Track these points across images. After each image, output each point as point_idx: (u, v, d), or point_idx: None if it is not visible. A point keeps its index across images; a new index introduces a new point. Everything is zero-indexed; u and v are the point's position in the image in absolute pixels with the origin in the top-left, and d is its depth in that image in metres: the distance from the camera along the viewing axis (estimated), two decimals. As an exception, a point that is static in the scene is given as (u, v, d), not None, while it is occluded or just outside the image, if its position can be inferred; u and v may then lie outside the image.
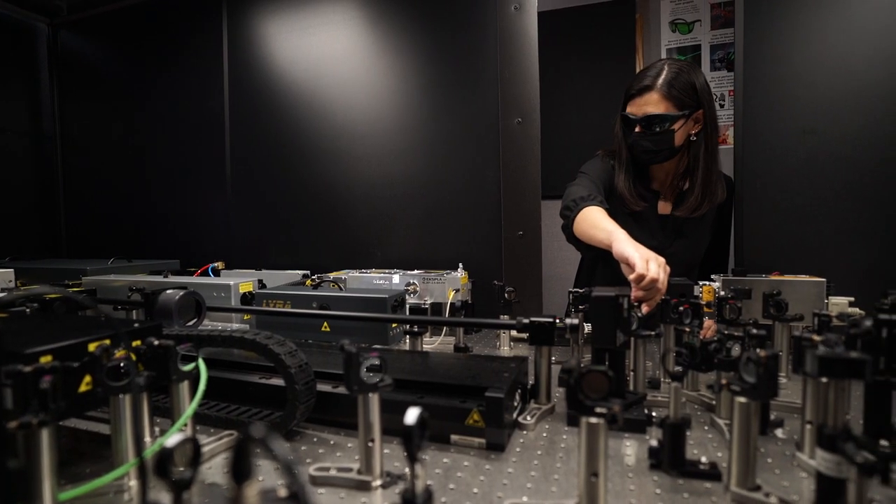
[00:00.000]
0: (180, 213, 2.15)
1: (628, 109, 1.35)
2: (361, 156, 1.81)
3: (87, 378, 0.51)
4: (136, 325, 0.64)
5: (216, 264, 1.82)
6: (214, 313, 1.43)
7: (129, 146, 2.24)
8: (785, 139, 1.42)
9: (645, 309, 0.91)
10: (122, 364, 0.52)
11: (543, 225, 1.58)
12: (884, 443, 0.62)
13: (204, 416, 0.75)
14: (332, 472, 0.59)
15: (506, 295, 1.16)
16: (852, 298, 1.07)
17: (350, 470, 0.59)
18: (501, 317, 1.15)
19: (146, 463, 0.42)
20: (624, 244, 1.03)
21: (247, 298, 1.41)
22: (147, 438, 0.59)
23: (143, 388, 0.54)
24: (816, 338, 0.61)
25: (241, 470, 0.25)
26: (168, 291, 0.93)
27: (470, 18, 1.65)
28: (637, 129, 1.32)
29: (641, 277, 0.93)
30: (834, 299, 1.07)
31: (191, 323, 0.96)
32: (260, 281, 1.54)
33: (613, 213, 1.26)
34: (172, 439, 0.32)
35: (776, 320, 0.96)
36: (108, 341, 0.55)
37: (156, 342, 0.57)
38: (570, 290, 1.07)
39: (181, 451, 0.34)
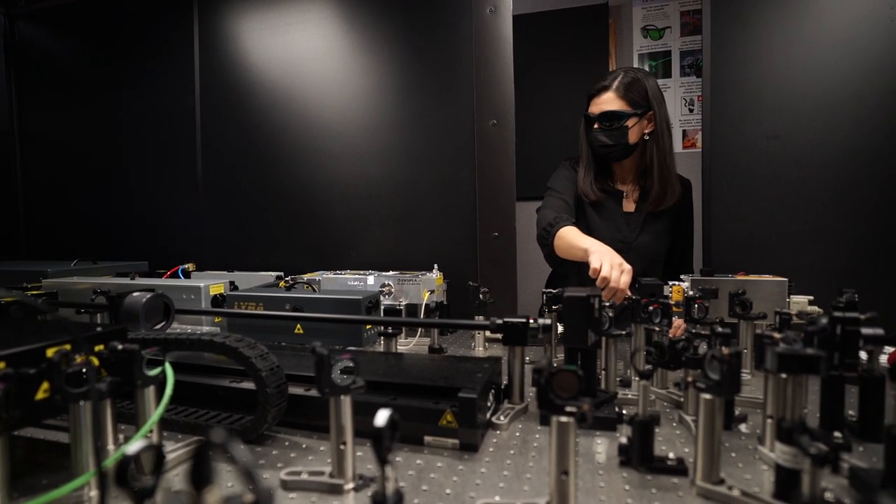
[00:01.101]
0: (149, 212, 2.09)
1: (589, 109, 1.47)
2: (337, 156, 1.79)
3: (45, 385, 0.49)
4: (98, 328, 0.62)
5: (186, 266, 1.77)
6: (184, 316, 1.40)
7: (94, 143, 2.17)
8: (750, 144, 1.47)
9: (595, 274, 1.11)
10: (84, 370, 0.50)
11: (518, 226, 1.60)
12: (837, 434, 0.64)
13: (171, 421, 0.73)
14: (304, 477, 0.59)
15: (480, 296, 1.17)
16: (812, 297, 1.11)
17: (322, 473, 0.59)
18: (476, 317, 1.16)
19: (106, 472, 0.41)
20: (593, 256, 1.17)
21: (218, 300, 1.39)
22: (110, 446, 0.57)
23: (105, 395, 0.53)
24: (777, 335, 0.63)
25: (200, 476, 0.24)
26: (135, 294, 0.91)
27: (445, 20, 1.65)
28: (595, 126, 1.44)
29: (596, 273, 1.12)
30: (795, 298, 1.10)
31: (159, 326, 0.94)
32: (232, 283, 1.51)
33: (582, 211, 1.45)
34: (134, 447, 0.31)
35: (741, 319, 0.99)
36: (68, 346, 0.53)
37: (120, 346, 0.56)
38: (544, 290, 1.08)
39: (145, 458, 0.33)
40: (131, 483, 0.31)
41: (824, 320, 0.66)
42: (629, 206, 1.53)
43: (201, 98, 1.97)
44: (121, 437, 0.62)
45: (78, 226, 2.21)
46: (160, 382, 0.59)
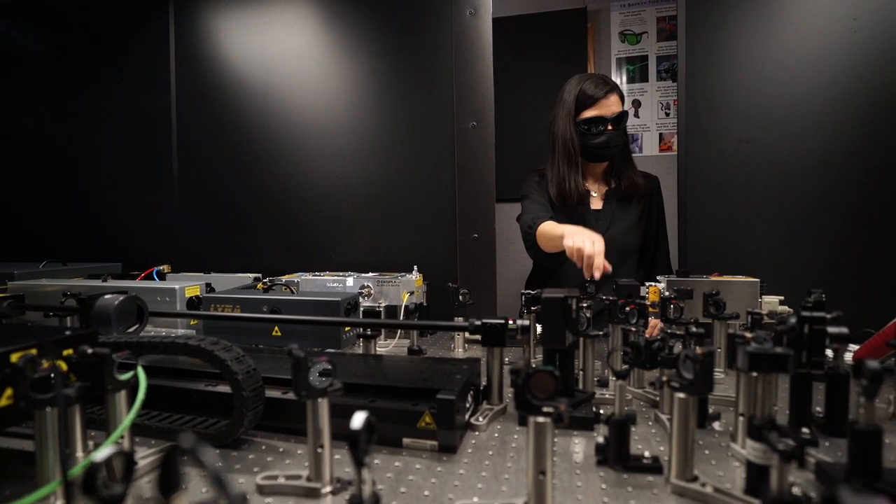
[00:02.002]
0: (122, 213, 2.04)
1: (593, 113, 1.52)
2: (316, 156, 1.78)
3: (9, 391, 0.48)
4: (67, 332, 0.61)
5: (161, 267, 1.74)
6: (159, 319, 1.37)
7: (65, 142, 2.11)
8: (723, 147, 1.50)
9: (597, 274, 1.16)
10: (52, 375, 0.49)
11: (498, 227, 1.61)
12: (805, 430, 0.66)
13: (144, 426, 0.71)
14: (281, 481, 0.58)
15: (460, 297, 1.17)
16: (782, 297, 1.14)
17: (299, 477, 0.58)
18: (456, 319, 1.16)
19: (73, 481, 0.39)
20: (566, 238, 1.25)
21: (193, 303, 1.36)
22: (79, 454, 0.56)
23: (73, 400, 0.51)
24: (748, 335, 0.64)
25: (169, 482, 0.23)
26: (106, 296, 0.88)
27: (425, 22, 1.65)
28: (609, 128, 1.51)
29: (571, 250, 1.20)
30: (766, 298, 1.13)
31: (132, 329, 0.91)
32: (208, 285, 1.48)
33: (555, 216, 1.54)
34: (102, 453, 0.30)
35: (715, 319, 1.01)
36: (34, 351, 0.52)
37: (89, 350, 0.54)
38: (523, 291, 1.09)
39: (116, 465, 0.32)
40: (100, 491, 0.30)
41: (793, 320, 0.68)
42: (597, 203, 1.63)
43: (177, 96, 1.93)
44: (91, 443, 0.60)
45: (47, 226, 2.15)
46: (132, 387, 0.58)
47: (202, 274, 1.67)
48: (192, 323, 1.37)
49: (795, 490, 0.45)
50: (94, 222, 2.08)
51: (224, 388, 0.75)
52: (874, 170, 1.38)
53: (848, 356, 0.87)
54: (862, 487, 0.49)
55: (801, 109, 1.43)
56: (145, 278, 1.69)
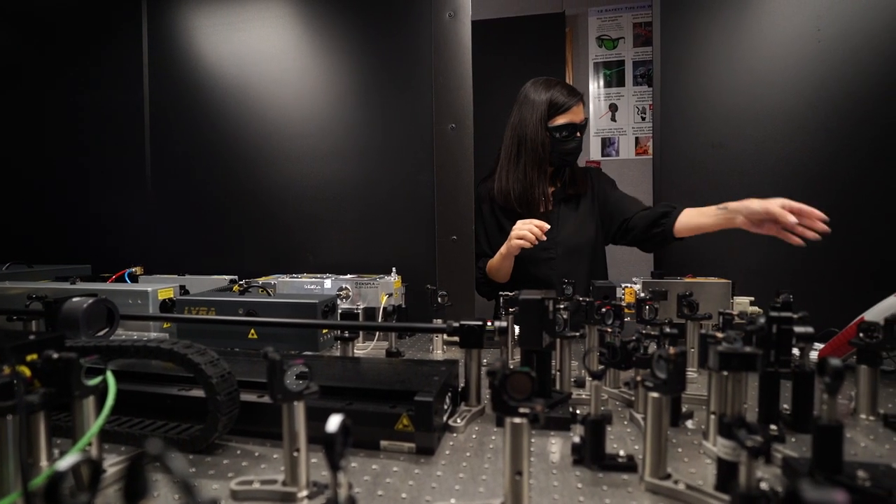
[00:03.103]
0: (92, 213, 1.98)
1: (566, 119, 1.55)
2: (294, 157, 1.76)
3: (-32, 398, 0.46)
4: (31, 336, 0.59)
5: (133, 269, 1.70)
6: (131, 322, 1.34)
7: (31, 138, 2.04)
8: (697, 152, 1.54)
9: (538, 232, 1.39)
10: (14, 381, 0.47)
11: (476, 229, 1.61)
12: (773, 427, 0.68)
13: (114, 433, 0.69)
14: (256, 486, 0.57)
15: (439, 299, 1.17)
16: (753, 298, 1.17)
17: (274, 482, 0.57)
18: (435, 321, 1.16)
19: (34, 492, 0.38)
20: (508, 243, 1.44)
21: (167, 305, 1.33)
22: (44, 463, 0.54)
23: (36, 408, 0.50)
24: (719, 335, 0.66)
25: (135, 490, 0.23)
26: (74, 299, 0.86)
27: (405, 23, 1.65)
28: (578, 135, 1.56)
29: (518, 247, 1.43)
30: (737, 299, 1.16)
31: (101, 333, 0.89)
32: (182, 287, 1.45)
33: (501, 229, 1.62)
34: (66, 462, 0.29)
35: (688, 319, 1.03)
36: (-4, 356, 0.50)
37: (55, 355, 0.53)
38: (501, 293, 1.09)
39: (84, 473, 0.32)
40: (65, 501, 0.29)
41: (762, 320, 0.70)
42: (544, 205, 1.66)
43: (151, 94, 1.89)
44: (56, 452, 0.58)
45: (11, 227, 2.08)
46: (101, 392, 0.56)
47: (176, 276, 1.64)
48: (165, 326, 1.34)
49: (763, 485, 0.46)
50: (61, 223, 2.02)
51: (198, 393, 0.74)
52: (838, 173, 1.43)
53: (814, 355, 0.89)
54: (825, 481, 0.51)
55: (769, 115, 1.48)
56: (117, 280, 1.65)
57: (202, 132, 1.84)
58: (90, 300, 0.86)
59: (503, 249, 1.51)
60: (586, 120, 1.59)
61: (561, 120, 1.54)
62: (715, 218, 1.34)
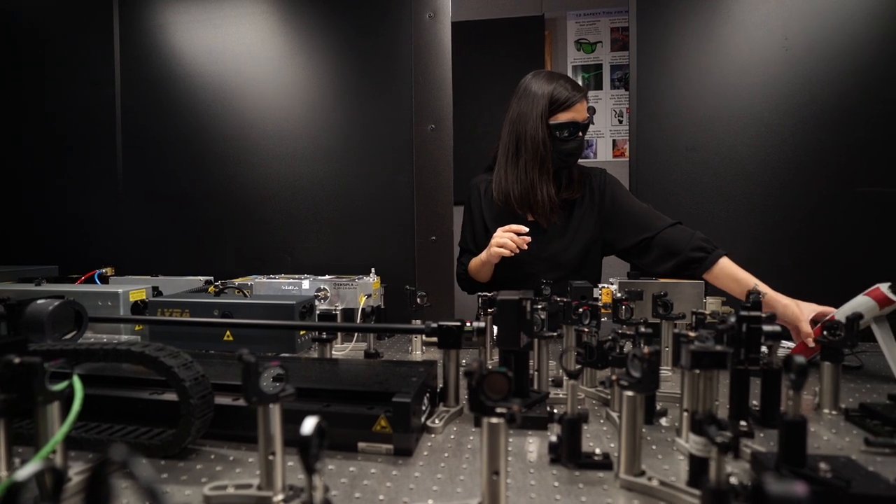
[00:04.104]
0: (61, 213, 1.92)
1: (569, 117, 1.39)
2: (272, 156, 1.74)
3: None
4: (-6, 340, 0.57)
5: (104, 270, 1.65)
6: (100, 325, 1.31)
7: (-4, 137, 1.97)
8: (672, 154, 1.57)
9: (520, 236, 1.31)
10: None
11: (455, 230, 1.62)
12: (743, 423, 0.70)
13: (81, 440, 0.67)
14: (230, 491, 0.56)
15: (418, 299, 1.17)
16: (724, 298, 1.20)
17: (249, 486, 0.56)
18: (413, 321, 1.16)
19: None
20: (490, 253, 1.35)
21: (139, 307, 1.30)
22: (3, 472, 0.52)
23: (-2, 413, 0.48)
24: (692, 334, 0.68)
25: (98, 498, 0.22)
26: (39, 301, 0.83)
27: (385, 23, 1.65)
28: (580, 135, 1.41)
29: (499, 254, 1.34)
30: (710, 299, 1.19)
31: (69, 336, 0.86)
32: (155, 288, 1.42)
33: (487, 232, 1.48)
34: (26, 471, 0.28)
35: (663, 319, 1.05)
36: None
37: (16, 360, 0.51)
38: (479, 293, 1.10)
39: (47, 482, 0.30)
40: (25, 509, 0.28)
41: (732, 319, 0.72)
42: (549, 212, 1.49)
43: (122, 90, 1.85)
44: (17, 461, 0.56)
45: (-25, 226, 2.00)
46: (67, 398, 0.54)
47: (149, 277, 1.60)
48: (136, 329, 1.31)
49: (733, 480, 0.47)
50: (28, 223, 1.95)
51: (171, 397, 0.72)
52: (803, 174, 1.48)
53: (782, 352, 0.92)
54: (790, 474, 0.52)
55: (739, 119, 1.52)
56: (86, 282, 1.61)
57: (177, 130, 1.81)
58: (56, 302, 0.83)
59: (483, 256, 1.42)
60: (590, 119, 1.44)
61: (563, 117, 1.39)
62: (745, 294, 1.14)
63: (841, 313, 1.00)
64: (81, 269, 1.66)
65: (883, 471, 0.59)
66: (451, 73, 1.56)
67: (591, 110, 1.44)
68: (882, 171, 1.43)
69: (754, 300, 0.81)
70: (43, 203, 1.93)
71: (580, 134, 1.41)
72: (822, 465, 0.53)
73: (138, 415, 0.73)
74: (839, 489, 0.50)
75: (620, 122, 2.97)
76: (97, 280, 1.62)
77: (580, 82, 3.01)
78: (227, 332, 1.14)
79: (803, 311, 1.10)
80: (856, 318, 0.82)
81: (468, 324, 0.84)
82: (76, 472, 0.58)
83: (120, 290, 1.29)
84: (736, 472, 0.61)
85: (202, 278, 1.55)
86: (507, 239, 1.32)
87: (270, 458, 0.55)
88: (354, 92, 1.67)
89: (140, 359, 0.65)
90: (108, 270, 1.67)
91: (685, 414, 0.69)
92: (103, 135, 1.86)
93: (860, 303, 0.98)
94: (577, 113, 1.40)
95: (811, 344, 1.06)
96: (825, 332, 0.82)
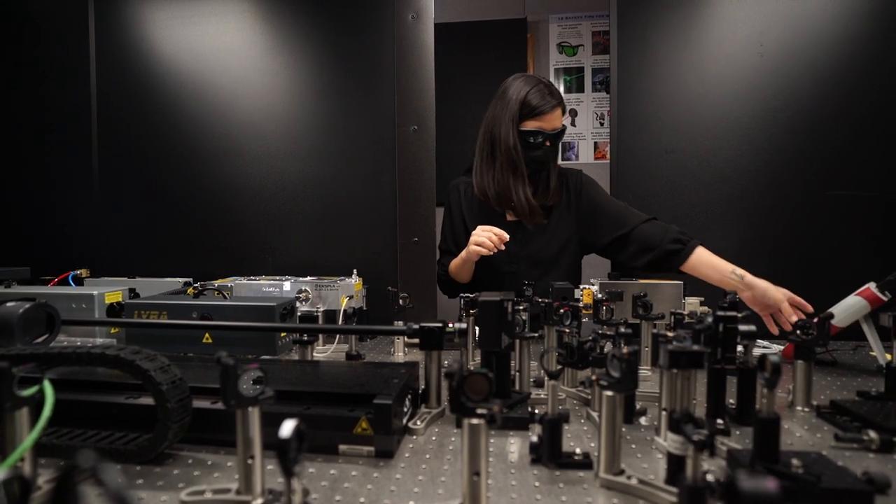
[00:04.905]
0: (34, 213, 1.87)
1: (536, 125, 1.40)
2: (253, 156, 1.72)
3: None
4: (-39, 344, 0.55)
5: (79, 272, 1.62)
6: (74, 328, 1.27)
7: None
8: (651, 157, 1.59)
9: (497, 241, 1.30)
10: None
11: (438, 231, 1.62)
12: (720, 421, 0.71)
13: (53, 446, 0.66)
14: (208, 496, 0.55)
15: (400, 301, 1.17)
16: (703, 298, 1.22)
17: (228, 491, 0.56)
18: (396, 323, 1.16)
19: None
20: (469, 251, 1.35)
21: (114, 310, 1.28)
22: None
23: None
24: (670, 334, 0.69)
25: (66, 505, 0.22)
26: (8, 304, 0.81)
27: (367, 24, 1.64)
28: (547, 144, 1.41)
29: (478, 252, 1.33)
30: (689, 299, 1.21)
31: (40, 340, 0.84)
32: (132, 290, 1.39)
33: (467, 233, 1.46)
34: (-7, 477, 0.28)
35: (643, 319, 1.07)
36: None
37: (-16, 364, 0.49)
38: (462, 294, 1.10)
39: (14, 490, 0.30)
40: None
41: (710, 319, 0.73)
42: (510, 216, 1.52)
43: (98, 88, 1.80)
44: (-14, 467, 0.55)
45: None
46: (38, 403, 0.53)
47: (126, 279, 1.57)
48: (112, 331, 1.28)
49: (709, 477, 0.48)
50: (-1, 223, 1.90)
51: (147, 400, 0.71)
52: (778, 176, 1.51)
53: (757, 351, 0.94)
54: (764, 470, 0.54)
55: (717, 123, 1.55)
56: (60, 283, 1.57)
57: (155, 128, 1.77)
58: (27, 304, 0.81)
59: (463, 254, 1.41)
60: (563, 128, 1.43)
61: (531, 125, 1.40)
62: (723, 279, 1.26)
63: (838, 312, 1.03)
64: (55, 271, 1.62)
65: (851, 465, 0.61)
66: (434, 75, 1.56)
67: (573, 113, 1.47)
68: (855, 174, 1.47)
69: (731, 300, 0.83)
70: (14, 202, 1.88)
71: (548, 143, 1.41)
72: (795, 461, 0.55)
73: (113, 420, 0.72)
74: (810, 484, 0.52)
75: (602, 124, 3.00)
76: (71, 282, 1.58)
77: (562, 85, 3.05)
78: (207, 335, 1.12)
79: (784, 293, 1.19)
80: (827, 317, 0.84)
81: (450, 325, 0.84)
82: (46, 480, 0.56)
83: (95, 292, 1.26)
84: (713, 469, 0.62)
85: (181, 280, 1.52)
86: (485, 238, 1.32)
87: (249, 461, 0.54)
88: (337, 92, 1.66)
89: (115, 362, 0.64)
90: (82, 272, 1.63)
91: (664, 413, 0.70)
92: (80, 134, 1.81)
93: (853, 302, 1.02)
94: (545, 122, 1.40)
95: (793, 320, 1.12)
96: (798, 332, 0.84)
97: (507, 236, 1.32)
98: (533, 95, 1.40)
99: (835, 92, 1.47)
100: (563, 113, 1.45)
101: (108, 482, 0.19)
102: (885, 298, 0.99)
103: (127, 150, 1.80)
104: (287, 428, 0.39)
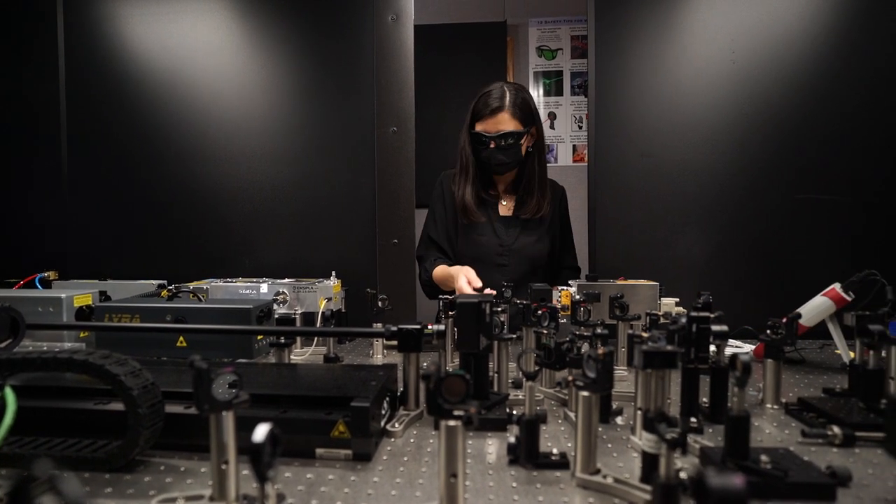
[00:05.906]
0: (-3, 213, 1.81)
1: (480, 128, 1.51)
2: (229, 157, 1.69)
3: None
4: (-83, 350, 0.53)
5: (46, 274, 1.56)
6: (41, 332, 1.23)
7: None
8: (628, 160, 1.62)
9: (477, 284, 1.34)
10: None
11: (417, 233, 1.61)
12: (693, 420, 0.73)
13: (14, 455, 0.63)
14: (180, 503, 0.54)
15: (379, 303, 1.16)
16: (678, 299, 1.24)
17: (201, 497, 0.54)
18: (375, 325, 1.15)
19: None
20: (457, 282, 1.36)
21: (84, 313, 1.24)
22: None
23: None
24: (645, 335, 0.70)
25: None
26: (-29, 308, 0.78)
27: (347, 25, 1.63)
28: (492, 146, 1.49)
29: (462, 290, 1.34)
30: (664, 300, 1.23)
31: (3, 345, 0.81)
32: (103, 293, 1.36)
33: (462, 220, 1.56)
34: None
35: (619, 320, 1.08)
36: None
37: (-56, 370, 0.47)
38: (440, 296, 1.10)
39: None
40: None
41: (683, 319, 0.74)
42: (505, 210, 1.64)
43: (67, 85, 1.75)
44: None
45: None
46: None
47: (97, 281, 1.52)
48: (81, 335, 1.24)
49: (683, 475, 0.49)
50: (-39, 223, 1.83)
51: (117, 406, 0.69)
52: (749, 180, 1.55)
53: (728, 350, 0.96)
54: (734, 467, 0.55)
55: (691, 127, 1.58)
56: (25, 286, 1.52)
57: (128, 127, 1.73)
58: (-9, 308, 0.78)
59: (452, 271, 1.45)
60: (510, 133, 1.50)
61: (478, 127, 1.52)
62: None
63: (805, 311, 1.06)
64: (20, 274, 1.57)
65: (816, 460, 0.63)
66: (414, 76, 1.56)
67: (552, 116, 1.53)
68: (824, 179, 1.51)
69: (704, 301, 0.84)
70: (-22, 203, 1.81)
71: (492, 144, 1.49)
72: (763, 457, 0.56)
73: (82, 427, 0.70)
74: (778, 479, 0.53)
75: (580, 127, 3.04)
76: (38, 285, 1.53)
77: (541, 88, 3.08)
78: (181, 339, 1.10)
79: None
80: (795, 317, 0.87)
81: (429, 327, 0.84)
82: (3, 493, 0.54)
83: (63, 295, 1.22)
84: (686, 467, 0.63)
85: (155, 282, 1.49)
86: (462, 286, 1.35)
87: (223, 467, 0.53)
88: (315, 92, 1.65)
89: (83, 367, 0.62)
90: (50, 274, 1.58)
91: (639, 412, 0.71)
92: (47, 132, 1.76)
93: (819, 302, 1.05)
94: (488, 125, 1.50)
95: None
96: (768, 331, 0.87)
97: (479, 284, 1.36)
98: (482, 99, 1.51)
99: (805, 98, 1.52)
100: (524, 118, 1.53)
101: (67, 493, 0.18)
102: (849, 298, 1.02)
103: (97, 149, 1.75)
104: (260, 432, 0.38)
